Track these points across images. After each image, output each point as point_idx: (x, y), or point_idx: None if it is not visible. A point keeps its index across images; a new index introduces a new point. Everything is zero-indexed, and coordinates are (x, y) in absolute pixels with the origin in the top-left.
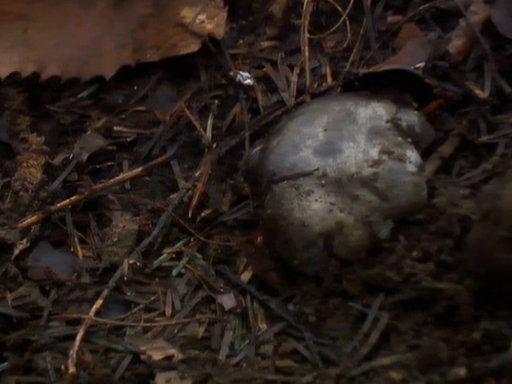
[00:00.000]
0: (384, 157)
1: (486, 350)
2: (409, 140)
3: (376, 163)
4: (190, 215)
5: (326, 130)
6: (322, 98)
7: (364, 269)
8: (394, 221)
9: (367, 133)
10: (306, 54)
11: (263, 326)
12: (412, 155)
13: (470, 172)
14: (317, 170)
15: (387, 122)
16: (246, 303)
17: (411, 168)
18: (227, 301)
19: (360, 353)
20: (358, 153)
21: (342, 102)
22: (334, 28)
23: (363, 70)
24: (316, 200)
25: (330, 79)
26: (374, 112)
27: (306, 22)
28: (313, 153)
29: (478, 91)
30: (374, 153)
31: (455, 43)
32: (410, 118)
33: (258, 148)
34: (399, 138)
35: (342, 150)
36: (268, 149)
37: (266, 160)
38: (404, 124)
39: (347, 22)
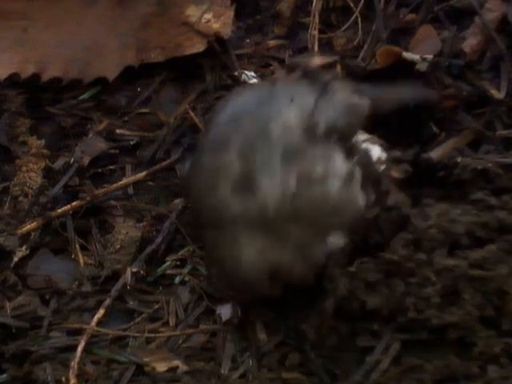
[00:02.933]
0: (303, 184)
1: (504, 363)
2: (334, 139)
3: (296, 196)
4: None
5: (240, 158)
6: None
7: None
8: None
9: (282, 154)
10: (315, 50)
11: (263, 336)
12: (336, 164)
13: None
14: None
15: (303, 132)
16: (246, 314)
17: (337, 184)
18: (225, 311)
19: (370, 380)
20: (275, 186)
21: (257, 109)
22: (345, 26)
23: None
24: (245, 246)
25: None
26: (286, 123)
27: (316, 20)
28: (231, 191)
29: (493, 91)
30: (293, 182)
31: (470, 42)
32: (330, 110)
33: (187, 164)
34: (319, 150)
35: (260, 183)
36: (193, 174)
37: (192, 196)
38: (322, 125)
39: (359, 20)
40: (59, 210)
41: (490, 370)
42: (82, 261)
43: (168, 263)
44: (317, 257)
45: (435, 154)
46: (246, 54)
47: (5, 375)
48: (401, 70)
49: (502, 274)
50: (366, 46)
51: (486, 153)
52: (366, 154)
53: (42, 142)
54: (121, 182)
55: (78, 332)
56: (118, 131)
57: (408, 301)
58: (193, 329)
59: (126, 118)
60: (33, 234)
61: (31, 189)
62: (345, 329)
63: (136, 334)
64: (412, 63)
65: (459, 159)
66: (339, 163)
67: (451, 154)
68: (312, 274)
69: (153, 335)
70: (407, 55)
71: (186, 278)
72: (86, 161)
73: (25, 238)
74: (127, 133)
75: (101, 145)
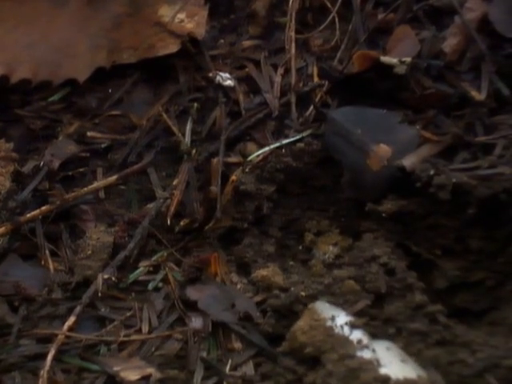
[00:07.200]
0: None
1: None
2: None
3: None
4: (168, 225)
5: None
6: None
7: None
8: None
9: None
10: (292, 51)
11: (238, 345)
12: None
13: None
14: None
15: None
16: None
17: None
18: (197, 322)
19: None
20: None
21: None
22: (322, 26)
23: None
24: None
25: (316, 79)
26: None
27: (292, 20)
28: None
29: (474, 93)
30: None
31: (450, 42)
32: None
33: None
34: None
35: None
36: None
37: None
38: None
39: (336, 20)
40: (28, 215)
41: None
42: (52, 267)
43: (141, 269)
44: None
45: (408, 161)
46: (220, 55)
47: None
48: (378, 74)
49: None
50: (343, 47)
51: (462, 162)
52: None
53: (11, 145)
54: (92, 186)
55: (48, 340)
56: (88, 134)
57: None
58: (166, 336)
59: (97, 121)
60: (1, 239)
61: None
62: None
63: (108, 340)
64: (390, 66)
65: (432, 172)
66: None
67: (424, 167)
68: None
69: (126, 339)
70: (385, 59)
71: (160, 285)
72: (56, 164)
73: None
74: (98, 135)
75: (71, 148)
